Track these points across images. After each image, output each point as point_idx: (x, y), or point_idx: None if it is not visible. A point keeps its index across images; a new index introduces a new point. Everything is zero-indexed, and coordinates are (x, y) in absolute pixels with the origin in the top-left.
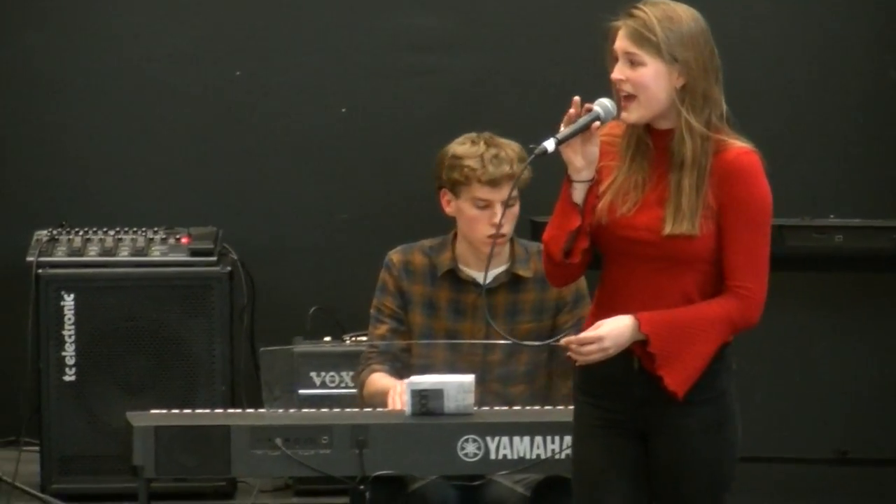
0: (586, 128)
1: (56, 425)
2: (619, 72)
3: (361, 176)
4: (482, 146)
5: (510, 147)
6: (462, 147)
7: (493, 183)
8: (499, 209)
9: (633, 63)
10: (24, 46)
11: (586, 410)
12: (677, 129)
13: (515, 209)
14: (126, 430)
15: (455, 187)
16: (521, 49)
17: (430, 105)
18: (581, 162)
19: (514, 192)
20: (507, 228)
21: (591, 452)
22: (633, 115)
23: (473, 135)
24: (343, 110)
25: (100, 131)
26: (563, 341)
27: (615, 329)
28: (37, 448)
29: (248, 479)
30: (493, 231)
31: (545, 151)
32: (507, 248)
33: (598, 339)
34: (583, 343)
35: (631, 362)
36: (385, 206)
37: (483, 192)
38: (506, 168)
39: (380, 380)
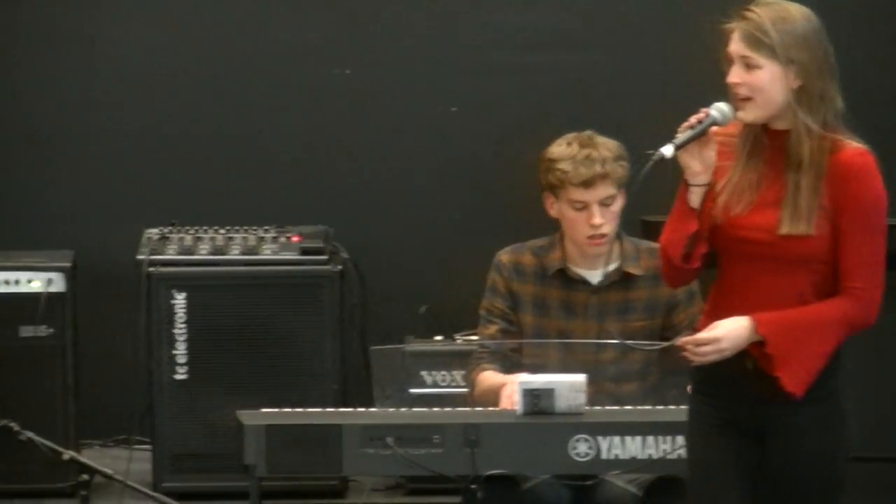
0: (704, 132)
1: (167, 424)
2: (735, 76)
3: (472, 175)
4: (575, 147)
5: (605, 146)
6: (557, 149)
7: (586, 184)
8: (596, 210)
9: (749, 66)
10: (140, 44)
11: (703, 410)
12: (794, 129)
13: (615, 207)
14: (237, 429)
15: (553, 190)
16: (631, 46)
17: (540, 104)
18: (699, 166)
19: (612, 191)
20: (607, 228)
21: (708, 452)
22: (750, 114)
23: (572, 135)
24: (454, 109)
25: (211, 129)
26: (679, 342)
27: (732, 330)
28: (148, 446)
29: (359, 478)
30: (592, 232)
31: (663, 157)
32: (616, 246)
33: (715, 340)
34: (699, 344)
35: (746, 362)
36: (496, 205)
37: (577, 194)
38: (597, 168)
39: (490, 378)
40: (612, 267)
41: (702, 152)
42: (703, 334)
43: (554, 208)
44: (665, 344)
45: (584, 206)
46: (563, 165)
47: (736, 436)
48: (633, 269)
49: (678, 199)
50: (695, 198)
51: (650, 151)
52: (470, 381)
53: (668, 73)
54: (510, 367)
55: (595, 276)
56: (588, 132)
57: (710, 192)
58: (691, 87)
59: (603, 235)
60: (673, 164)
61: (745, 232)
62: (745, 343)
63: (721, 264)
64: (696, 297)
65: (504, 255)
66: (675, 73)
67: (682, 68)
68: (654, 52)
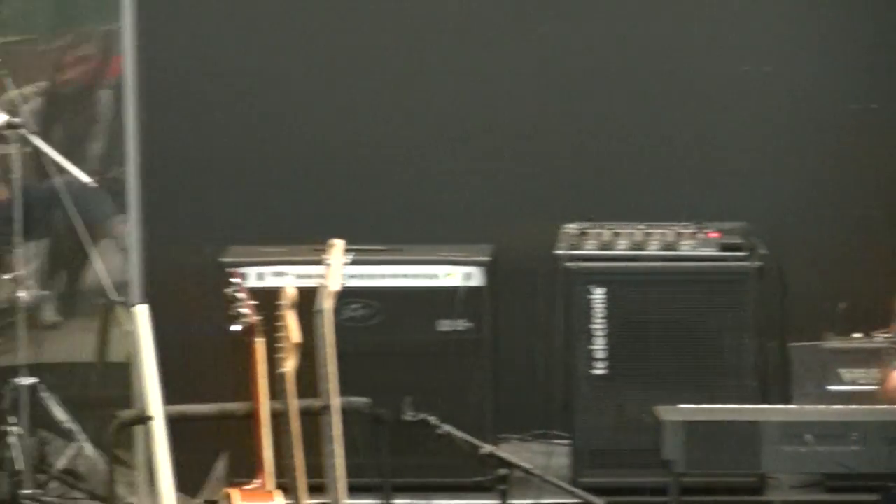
0: None
1: (586, 419)
2: None
3: (889, 171)
4: None
5: None
6: None
7: None
8: None
9: None
10: (530, 38)
11: None
12: None
13: None
14: (656, 424)
15: None
16: None
17: None
18: None
19: None
20: None
21: None
22: None
23: None
24: (874, 106)
25: (621, 125)
26: None
27: None
28: (567, 441)
29: (777, 475)
30: None
31: None
32: None
33: None
34: None
35: None
36: None
37: None
38: None
39: None
40: None
41: None
42: None
43: None
44: None
45: None
46: None
47: None
48: None
49: None
50: None
51: None
52: (881, 378)
53: None
54: None
55: None
56: None
57: None
58: None
59: None
60: None
61: None
62: None
63: None
64: None
65: None
66: None
67: None
68: None
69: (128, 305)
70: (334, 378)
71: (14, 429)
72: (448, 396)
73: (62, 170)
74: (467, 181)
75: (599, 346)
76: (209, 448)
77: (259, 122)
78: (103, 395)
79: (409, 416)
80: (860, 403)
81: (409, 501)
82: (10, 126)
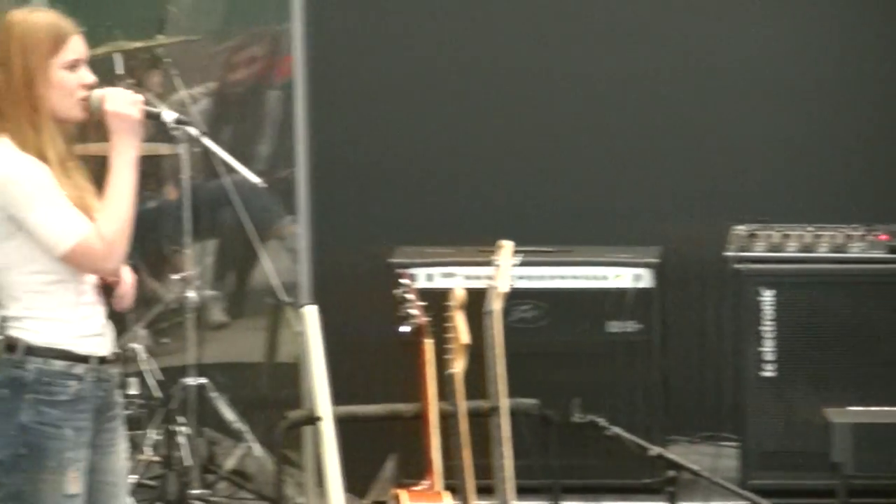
0: None
1: (755, 421)
2: None
3: None
4: None
5: None
6: None
7: None
8: None
9: None
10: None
11: None
12: None
13: None
14: (825, 427)
15: None
16: None
17: None
18: None
19: None
20: None
21: None
22: None
23: None
24: None
25: (789, 127)
26: None
27: None
28: (736, 443)
29: None
30: None
31: None
32: None
33: None
34: None
35: None
36: None
37: None
38: None
39: None
40: None
41: None
42: None
43: None
44: None
45: None
46: None
47: None
48: None
49: None
50: None
51: None
52: None
53: None
54: None
55: None
56: None
57: None
58: None
59: None
60: None
61: None
62: None
63: None
64: None
65: None
66: None
67: None
68: None
69: (297, 306)
70: (503, 379)
71: (183, 429)
72: (617, 398)
73: (231, 170)
74: (637, 182)
75: (768, 347)
76: (378, 449)
77: (427, 122)
78: (272, 396)
79: (577, 417)
80: None
81: (577, 503)
82: (179, 122)
